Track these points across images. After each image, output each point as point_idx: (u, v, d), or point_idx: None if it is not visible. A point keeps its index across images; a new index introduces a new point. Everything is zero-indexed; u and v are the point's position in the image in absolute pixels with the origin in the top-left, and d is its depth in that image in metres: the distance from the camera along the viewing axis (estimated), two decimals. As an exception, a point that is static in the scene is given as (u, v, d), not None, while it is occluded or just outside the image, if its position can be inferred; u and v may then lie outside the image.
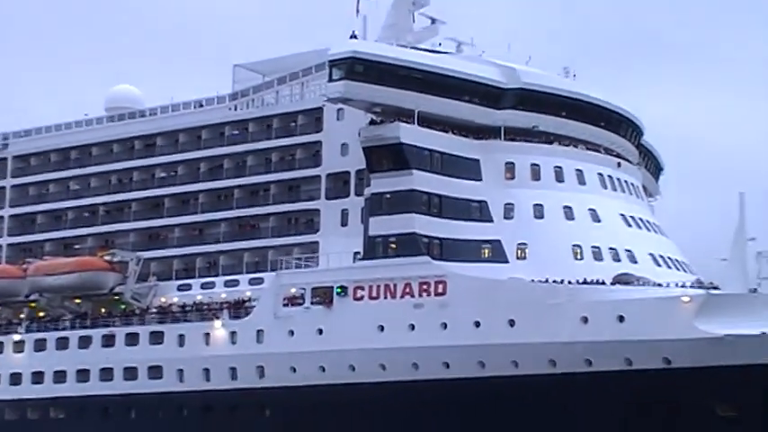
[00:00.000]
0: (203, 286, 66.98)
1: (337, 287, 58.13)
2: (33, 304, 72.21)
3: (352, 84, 57.61)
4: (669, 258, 60.16)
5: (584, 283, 53.12)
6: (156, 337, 64.38)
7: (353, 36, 59.94)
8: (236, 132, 69.01)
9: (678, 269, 59.71)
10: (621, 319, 50.04)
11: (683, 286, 53.44)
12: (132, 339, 65.46)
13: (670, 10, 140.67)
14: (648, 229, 61.56)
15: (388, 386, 54.79)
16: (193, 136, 71.12)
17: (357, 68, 57.71)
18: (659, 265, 58.65)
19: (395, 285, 56.44)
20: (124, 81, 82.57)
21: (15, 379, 69.36)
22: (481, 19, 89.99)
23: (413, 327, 55.34)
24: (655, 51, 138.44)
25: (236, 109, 70.00)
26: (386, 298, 56.69)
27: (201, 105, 71.79)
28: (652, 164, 73.47)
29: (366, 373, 55.62)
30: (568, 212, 58.76)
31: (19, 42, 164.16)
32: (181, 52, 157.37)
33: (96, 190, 74.58)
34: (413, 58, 59.30)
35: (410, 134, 57.69)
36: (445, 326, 54.35)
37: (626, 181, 63.35)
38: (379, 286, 56.92)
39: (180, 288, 67.94)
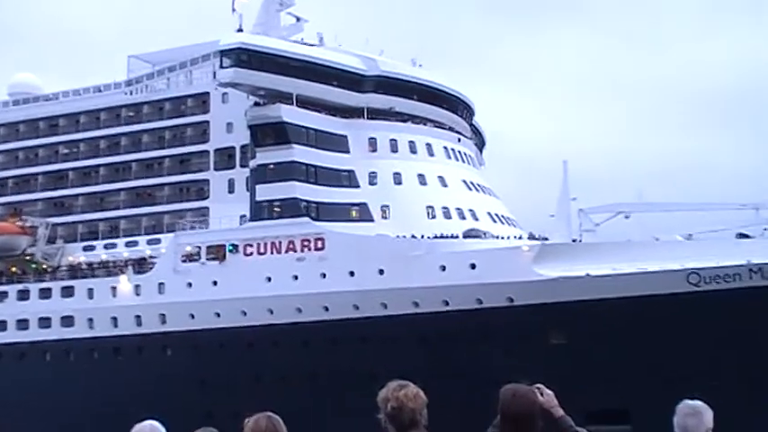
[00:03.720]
0: (106, 247, 64.44)
1: (229, 245, 56.67)
2: (-49, 265, 68.14)
3: (239, 71, 56.14)
4: (502, 216, 60.75)
5: (441, 237, 53.15)
6: (68, 291, 61.61)
7: (240, 29, 58.34)
8: (132, 114, 66.39)
9: (509, 225, 60.37)
10: (473, 266, 50.22)
11: (519, 238, 53.99)
12: (45, 294, 62.52)
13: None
14: (484, 192, 62.00)
15: (276, 328, 53.82)
16: (93, 117, 68.02)
17: (243, 57, 56.24)
18: (495, 222, 59.10)
19: (280, 243, 55.32)
20: (25, 70, 78.80)
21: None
22: (337, 17, 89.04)
23: (296, 277, 54.36)
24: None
25: (131, 94, 67.40)
26: (272, 253, 55.54)
27: (100, 90, 68.81)
28: (479, 139, 74.14)
29: (256, 318, 54.44)
30: (421, 179, 58.62)
31: None
32: (79, 47, 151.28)
33: (5, 165, 70.70)
34: (291, 49, 58.12)
35: (290, 114, 56.62)
36: (324, 275, 53.62)
37: (465, 153, 63.70)
38: (266, 243, 55.71)
39: (85, 249, 65.15)
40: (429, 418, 6.78)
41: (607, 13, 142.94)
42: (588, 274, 48.45)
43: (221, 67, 56.71)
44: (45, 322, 61.62)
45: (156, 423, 7.33)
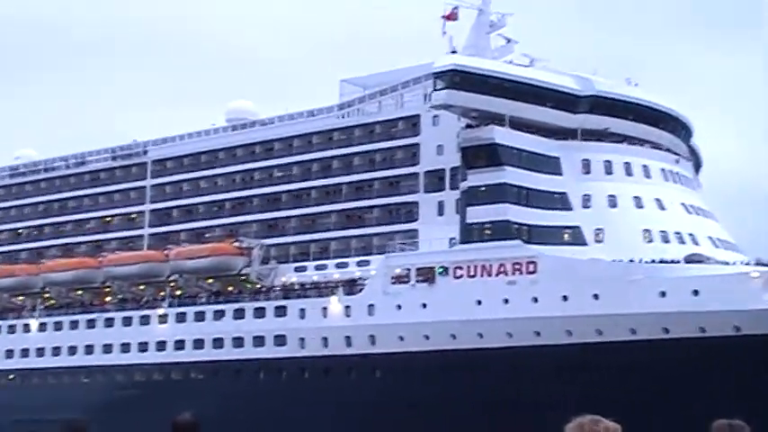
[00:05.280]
0: (317, 268, 65.16)
1: (439, 267, 56.12)
2: (173, 284, 70.59)
3: (453, 92, 55.90)
4: (723, 241, 57.62)
5: (661, 262, 50.73)
6: (281, 311, 62.62)
7: (453, 51, 57.96)
8: (344, 137, 67.15)
9: (732, 250, 57.06)
10: (696, 293, 47.61)
11: (747, 264, 50.84)
12: (260, 313, 63.77)
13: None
14: (704, 216, 59.04)
15: (485, 352, 52.72)
16: (305, 141, 69.26)
17: (457, 79, 55.85)
18: (717, 247, 56.14)
19: (490, 266, 54.32)
20: (243, 97, 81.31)
21: (161, 346, 67.86)
22: (546, 38, 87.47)
23: (506, 300, 53.18)
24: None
25: (343, 117, 68.20)
26: (482, 276, 54.60)
27: (313, 114, 69.99)
28: (696, 161, 70.82)
29: (465, 341, 53.56)
30: (637, 201, 56.47)
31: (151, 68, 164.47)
32: (291, 72, 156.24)
33: (223, 187, 72.88)
34: (504, 70, 57.42)
35: (502, 135, 55.82)
36: (536, 300, 52.18)
37: (683, 175, 61.04)
38: (476, 266, 54.81)
39: (297, 269, 66.11)
40: None
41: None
42: (825, 304, 44.99)
43: (435, 89, 56.56)
44: (259, 341, 62.73)
45: None
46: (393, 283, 57.94)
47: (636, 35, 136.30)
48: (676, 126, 62.59)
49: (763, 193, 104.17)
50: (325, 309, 60.50)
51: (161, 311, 68.69)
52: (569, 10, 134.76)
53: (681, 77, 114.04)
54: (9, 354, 74.70)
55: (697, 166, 72.12)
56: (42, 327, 74.12)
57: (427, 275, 56.46)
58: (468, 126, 57.44)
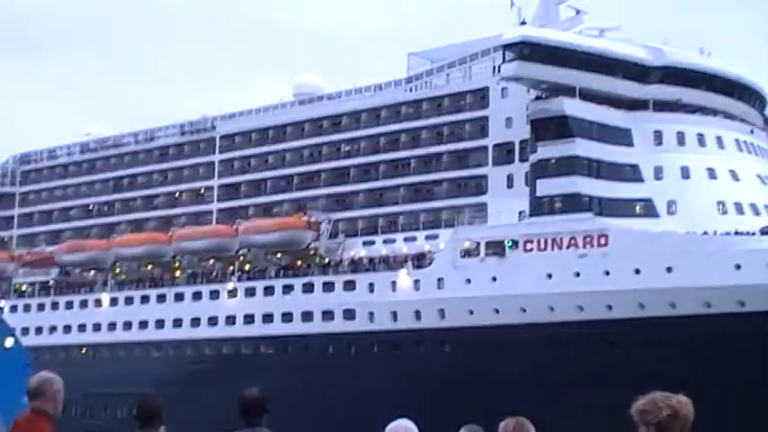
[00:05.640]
0: (385, 242, 65.21)
1: (509, 241, 55.82)
2: (241, 258, 71.29)
3: (523, 64, 55.46)
4: (800, 213, 56.39)
5: (736, 233, 49.89)
6: (350, 285, 62.87)
7: (523, 23, 57.46)
8: (412, 111, 66.96)
9: (810, 222, 55.91)
10: (772, 265, 46.79)
11: (824, 236, 49.81)
12: (329, 287, 64.09)
13: None
14: (780, 187, 57.84)
15: (556, 326, 52.38)
16: (373, 115, 69.13)
17: (526, 51, 55.35)
18: (793, 219, 54.98)
19: (561, 239, 53.89)
20: (310, 71, 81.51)
21: (230, 320, 68.64)
22: (616, 8, 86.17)
23: (578, 274, 52.76)
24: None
25: (411, 91, 67.97)
26: (553, 250, 54.19)
27: (381, 88, 69.92)
28: (770, 131, 69.55)
29: (536, 315, 53.28)
30: (711, 173, 55.55)
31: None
32: (359, 47, 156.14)
33: (291, 162, 73.22)
34: (574, 41, 56.75)
35: (573, 107, 55.23)
36: (608, 273, 51.68)
37: (758, 145, 59.79)
38: (546, 240, 54.42)
39: (365, 243, 66.20)
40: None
41: None
42: None
43: (504, 61, 56.14)
44: (328, 315, 63.10)
45: (408, 423, 7.18)
46: (462, 256, 57.79)
47: (706, 6, 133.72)
48: (751, 96, 61.40)
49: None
50: (393, 282, 60.59)
51: (230, 286, 69.38)
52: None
53: (752, 49, 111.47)
54: (81, 328, 76.17)
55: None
56: (113, 301, 75.39)
57: (497, 249, 56.19)
58: (538, 98, 56.97)
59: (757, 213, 53.99)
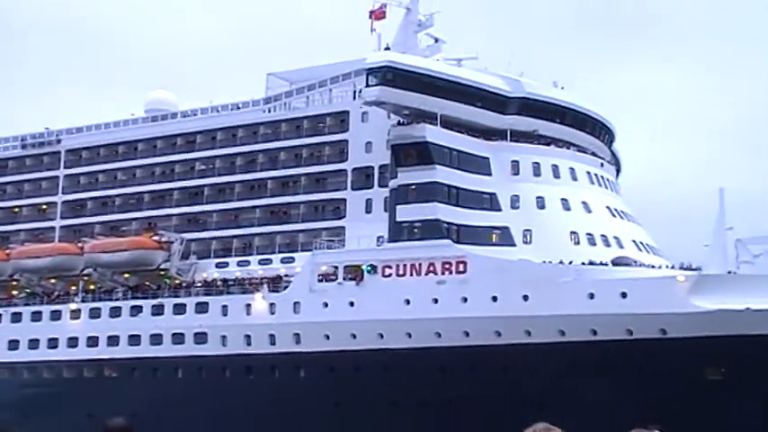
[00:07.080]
0: (239, 264, 64.54)
1: (367, 266, 56.10)
2: (86, 278, 69.10)
3: (385, 89, 55.77)
4: (646, 244, 59.01)
5: (590, 264, 51.69)
6: (202, 307, 61.75)
7: (387, 48, 58.09)
8: (270, 132, 66.57)
9: (653, 254, 58.53)
10: (624, 295, 48.67)
11: (672, 268, 52.20)
12: (179, 309, 62.75)
13: None
14: (628, 220, 60.35)
15: (413, 352, 52.94)
16: (230, 134, 68.41)
17: (389, 76, 55.84)
18: (640, 250, 57.43)
19: (420, 264, 54.53)
20: (162, 87, 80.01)
21: (72, 342, 66.31)
22: (474, 39, 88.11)
23: (436, 300, 53.48)
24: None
25: (270, 111, 67.63)
26: (411, 275, 54.76)
27: (238, 108, 69.26)
28: (617, 165, 72.42)
29: (393, 341, 53.66)
30: (565, 204, 57.39)
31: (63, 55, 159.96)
32: (216, 63, 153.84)
33: (141, 180, 71.57)
34: (437, 68, 57.59)
35: (434, 134, 56.04)
36: (465, 300, 52.62)
37: (607, 178, 62.26)
38: (405, 265, 54.95)
39: (218, 265, 65.35)
40: None
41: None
42: (749, 308, 46.46)
43: (367, 85, 56.34)
44: (178, 338, 61.82)
45: None
46: (320, 280, 57.71)
47: (552, 39, 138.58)
48: (601, 130, 63.84)
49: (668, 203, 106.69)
50: (248, 306, 59.92)
51: (73, 306, 67.20)
52: (493, 11, 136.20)
53: (597, 84, 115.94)
54: None
55: (617, 170, 73.98)
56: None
57: (355, 273, 56.41)
58: (400, 124, 57.54)
59: (608, 245, 56.06)
